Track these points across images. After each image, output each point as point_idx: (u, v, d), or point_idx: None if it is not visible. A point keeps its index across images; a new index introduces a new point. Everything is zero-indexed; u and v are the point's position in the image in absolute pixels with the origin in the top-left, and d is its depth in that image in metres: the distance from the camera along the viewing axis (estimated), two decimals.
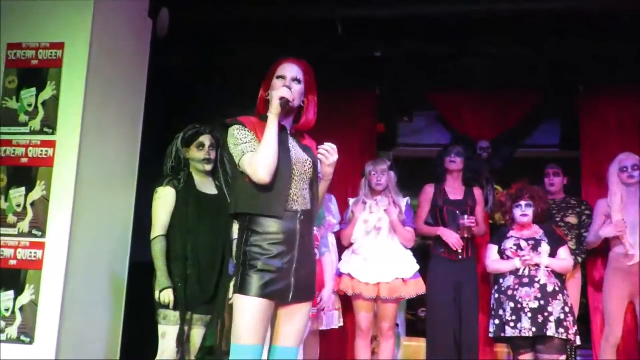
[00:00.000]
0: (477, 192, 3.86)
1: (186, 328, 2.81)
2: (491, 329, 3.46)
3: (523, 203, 3.49)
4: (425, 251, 4.00)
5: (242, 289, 1.99)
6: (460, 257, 3.70)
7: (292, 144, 2.16)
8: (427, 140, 5.03)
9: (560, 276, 3.42)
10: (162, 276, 2.73)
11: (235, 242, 2.26)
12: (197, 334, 2.93)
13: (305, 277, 2.11)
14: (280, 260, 2.02)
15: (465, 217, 3.60)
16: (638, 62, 3.89)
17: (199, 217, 2.87)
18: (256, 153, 2.02)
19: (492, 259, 3.55)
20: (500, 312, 3.40)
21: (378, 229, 3.54)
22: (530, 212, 3.48)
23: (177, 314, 2.76)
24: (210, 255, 2.90)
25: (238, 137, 2.06)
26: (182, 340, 2.85)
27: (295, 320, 2.13)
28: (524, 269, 3.38)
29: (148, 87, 3.28)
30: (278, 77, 2.17)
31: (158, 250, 2.76)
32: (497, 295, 3.48)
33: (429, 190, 3.83)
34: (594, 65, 4.03)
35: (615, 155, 3.73)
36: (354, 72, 4.32)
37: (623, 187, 3.59)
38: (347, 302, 3.71)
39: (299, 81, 2.17)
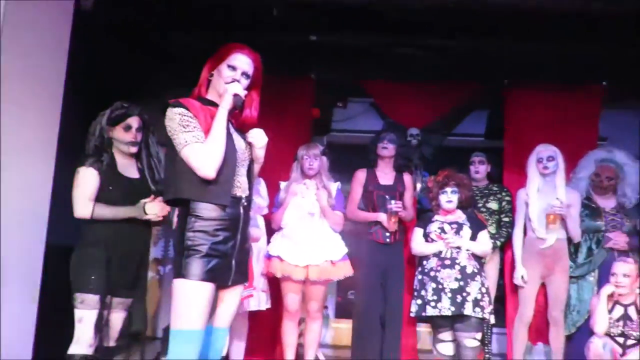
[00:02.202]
0: (407, 178, 3.98)
1: (105, 312, 2.75)
2: (413, 309, 3.59)
3: (449, 189, 3.64)
4: (355, 234, 4.08)
5: (185, 273, 1.99)
6: (388, 240, 3.81)
7: (233, 131, 2.18)
8: (361, 127, 5.10)
9: (479, 259, 3.60)
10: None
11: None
12: (117, 318, 2.86)
13: (243, 261, 2.18)
14: (225, 245, 2.05)
15: (393, 202, 3.70)
16: (560, 61, 4.11)
17: (121, 201, 2.80)
18: (203, 147, 2.01)
19: (417, 242, 3.68)
20: (423, 292, 3.53)
21: (311, 214, 3.58)
22: (455, 198, 3.62)
23: (96, 297, 2.68)
24: (132, 239, 2.84)
25: (181, 123, 2.03)
26: (101, 325, 2.78)
27: (230, 302, 2.19)
28: (447, 252, 3.52)
29: (71, 61, 3.12)
30: (229, 66, 2.16)
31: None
32: (420, 277, 3.62)
33: (361, 175, 3.92)
34: (520, 61, 4.20)
35: (535, 146, 3.94)
36: (289, 56, 4.30)
37: (540, 177, 3.80)
38: (275, 284, 3.74)
39: (248, 76, 2.19)
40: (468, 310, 3.38)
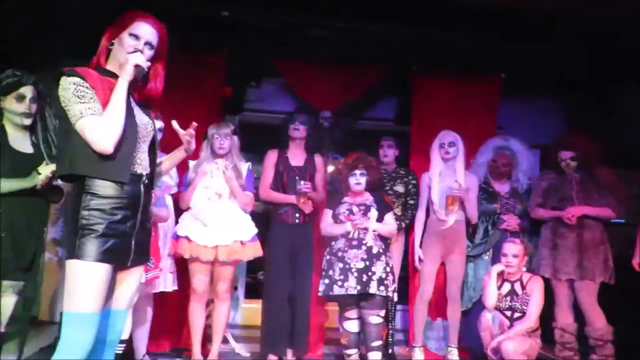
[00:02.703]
0: (318, 159, 4.01)
1: None
2: (321, 288, 3.67)
3: (357, 172, 3.73)
4: (266, 215, 4.08)
5: (80, 254, 1.87)
6: (297, 221, 3.85)
7: (134, 104, 2.07)
8: (274, 107, 5.07)
9: (384, 239, 3.74)
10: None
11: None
12: (8, 302, 2.68)
13: (144, 241, 2.08)
14: (124, 225, 1.95)
15: (302, 182, 3.72)
16: (464, 52, 4.30)
17: (14, 177, 2.60)
18: (101, 120, 1.88)
19: (327, 223, 3.75)
20: (330, 272, 3.62)
21: (219, 195, 3.52)
22: (363, 180, 3.72)
23: None
24: (26, 219, 2.66)
25: (76, 93, 1.89)
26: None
27: (129, 283, 2.10)
28: (354, 232, 3.62)
29: None
30: (131, 35, 2.03)
31: None
32: (328, 257, 3.70)
33: (272, 156, 3.91)
34: (428, 49, 4.35)
35: (438, 132, 4.11)
36: (201, 32, 4.17)
37: (441, 162, 3.98)
38: (182, 265, 3.66)
39: (152, 46, 2.07)
40: (373, 289, 3.51)
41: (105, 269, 1.92)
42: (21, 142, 2.69)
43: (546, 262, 3.72)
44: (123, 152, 1.96)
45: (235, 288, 5.10)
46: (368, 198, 3.77)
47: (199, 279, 3.57)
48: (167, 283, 3.56)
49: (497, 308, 3.58)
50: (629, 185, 3.49)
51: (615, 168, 3.79)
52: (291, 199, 3.77)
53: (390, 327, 4.16)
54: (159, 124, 3.41)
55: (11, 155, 2.62)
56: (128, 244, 2.00)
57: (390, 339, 4.18)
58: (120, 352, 3.13)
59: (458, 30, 4.05)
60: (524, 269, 3.64)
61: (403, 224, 4.16)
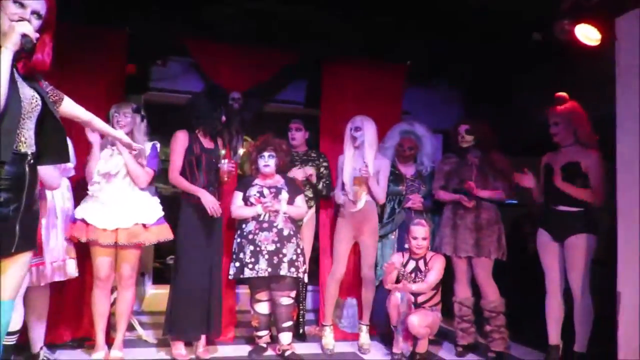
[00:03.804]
0: (220, 141, 3.89)
1: None
2: (231, 272, 3.66)
3: (266, 154, 3.74)
4: (174, 198, 3.96)
5: None
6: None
7: (17, 77, 1.90)
8: (181, 87, 4.91)
9: (295, 221, 3.78)
10: None
11: None
12: None
13: (30, 225, 1.95)
14: (6, 208, 1.81)
15: (226, 161, 3.64)
16: (371, 39, 4.40)
17: None
18: None
19: (237, 205, 3.72)
20: (241, 255, 3.61)
21: (110, 175, 3.40)
22: (272, 162, 3.73)
23: None
24: None
25: None
26: None
27: (15, 271, 1.95)
28: (265, 215, 3.63)
29: None
30: (16, 2, 1.87)
31: None
32: (239, 240, 3.68)
33: (183, 137, 3.71)
34: (339, 35, 4.41)
35: (348, 116, 4.19)
36: (104, 5, 3.94)
37: (351, 145, 4.07)
38: (83, 250, 3.48)
39: (39, 16, 1.92)
40: (284, 270, 3.55)
41: None
42: None
43: (447, 241, 3.93)
44: (4, 129, 1.80)
45: (142, 274, 4.94)
46: (279, 180, 3.79)
47: (101, 264, 3.42)
48: (68, 270, 3.36)
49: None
50: (520, 170, 3.74)
51: (510, 155, 4.07)
52: (199, 191, 3.60)
53: (301, 307, 4.23)
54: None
55: None
56: (12, 229, 1.86)
57: (301, 319, 4.25)
58: (12, 343, 2.93)
59: (368, 18, 4.14)
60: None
61: (312, 204, 4.22)
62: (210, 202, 3.57)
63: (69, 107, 2.21)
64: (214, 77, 4.54)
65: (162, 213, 3.53)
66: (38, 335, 3.36)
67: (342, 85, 4.63)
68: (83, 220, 3.35)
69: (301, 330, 4.25)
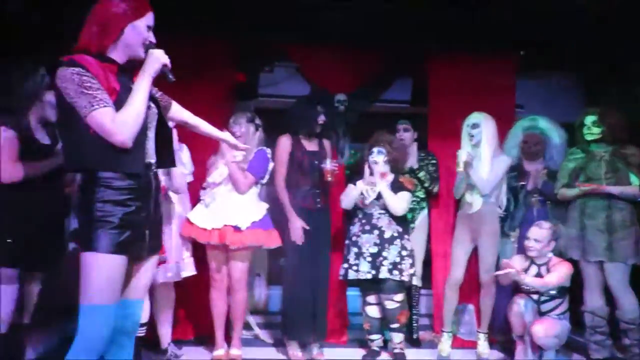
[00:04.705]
0: (327, 143, 3.93)
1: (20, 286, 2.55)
2: (341, 272, 3.67)
3: (375, 150, 3.67)
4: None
5: (96, 246, 1.82)
6: (319, 205, 3.79)
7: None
8: (289, 92, 4.98)
9: (401, 223, 3.64)
10: None
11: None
12: (32, 293, 2.67)
13: (156, 230, 2.06)
14: (138, 215, 1.90)
15: (328, 160, 3.65)
16: (479, 29, 4.18)
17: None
18: (117, 113, 1.81)
19: (344, 194, 3.70)
20: (348, 257, 3.60)
21: (219, 183, 3.54)
22: (380, 159, 3.65)
23: (16, 271, 2.47)
24: (48, 209, 2.63)
25: (82, 84, 1.79)
26: (23, 300, 2.60)
27: (145, 273, 2.07)
28: (367, 217, 3.55)
29: None
30: (149, 27, 1.96)
31: None
32: (347, 242, 3.69)
33: (286, 141, 3.79)
34: (443, 27, 4.23)
35: (458, 113, 4.02)
36: (211, 19, 4.09)
37: (468, 143, 3.89)
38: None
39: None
40: (383, 273, 3.50)
41: (120, 260, 1.88)
42: (40, 132, 2.66)
43: (574, 244, 3.63)
44: (136, 143, 1.90)
45: (258, 274, 5.10)
46: (389, 179, 3.70)
47: (213, 264, 3.58)
48: (186, 269, 3.55)
49: (524, 291, 3.51)
50: None
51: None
52: (291, 213, 3.67)
53: (414, 312, 4.11)
54: None
55: (36, 146, 2.58)
56: (142, 235, 1.96)
57: (414, 324, 4.14)
58: (142, 335, 3.15)
59: (473, 9, 3.94)
60: (550, 254, 3.54)
61: (425, 207, 4.10)
62: (296, 229, 3.63)
63: (178, 112, 2.29)
64: (317, 81, 4.56)
65: (259, 218, 3.56)
66: (166, 332, 3.58)
67: (450, 80, 4.44)
68: (188, 220, 3.53)
69: (415, 336, 4.14)
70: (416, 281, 3.98)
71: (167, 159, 2.14)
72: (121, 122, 1.82)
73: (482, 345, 3.88)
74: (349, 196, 3.69)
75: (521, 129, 4.09)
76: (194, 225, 3.50)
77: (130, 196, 1.89)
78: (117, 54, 1.94)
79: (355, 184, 3.74)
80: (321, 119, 3.79)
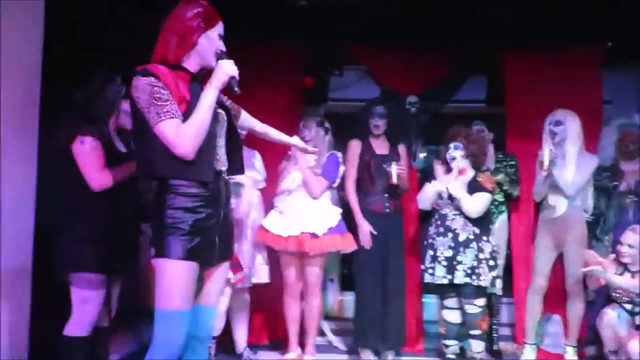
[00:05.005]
0: (402, 147, 3.87)
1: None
2: (422, 276, 3.54)
3: (452, 145, 3.49)
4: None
5: (167, 252, 1.85)
6: (387, 210, 3.71)
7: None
8: (359, 95, 4.93)
9: (479, 224, 3.45)
10: None
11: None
12: (113, 296, 2.77)
13: (227, 236, 2.06)
14: (208, 222, 1.92)
15: (394, 163, 3.57)
16: (559, 20, 3.93)
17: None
18: (182, 125, 1.83)
19: (421, 193, 3.59)
20: (425, 260, 3.49)
21: (293, 189, 3.53)
22: (458, 154, 3.47)
23: (101, 277, 2.57)
24: (128, 215, 2.72)
25: (153, 95, 1.83)
26: (109, 304, 2.72)
27: (217, 279, 2.08)
28: (442, 219, 3.41)
29: (48, 29, 2.93)
30: (220, 36, 1.98)
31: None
32: (425, 243, 3.56)
33: (356, 145, 3.78)
34: (518, 21, 4.03)
35: (537, 111, 3.82)
36: (279, 24, 4.12)
37: (550, 142, 3.66)
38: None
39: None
40: (459, 278, 3.34)
41: (192, 266, 1.90)
42: (117, 140, 2.75)
43: None
44: (205, 152, 1.91)
45: (331, 280, 5.08)
46: (468, 177, 3.51)
47: (287, 271, 3.58)
48: (260, 276, 3.59)
49: (616, 301, 3.25)
50: None
51: None
52: (359, 217, 3.64)
53: (494, 320, 3.92)
54: None
55: (114, 153, 2.69)
56: (213, 241, 1.97)
57: (494, 334, 3.95)
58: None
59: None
60: None
61: (505, 211, 3.91)
62: (364, 233, 3.60)
63: (247, 120, 2.31)
64: (388, 82, 4.47)
65: (335, 223, 3.53)
66: (241, 336, 3.64)
67: (528, 76, 4.21)
68: (263, 227, 3.54)
69: (495, 347, 3.95)
70: (496, 288, 3.80)
71: (236, 165, 2.15)
72: (184, 134, 1.84)
73: (570, 358, 3.62)
74: (425, 196, 3.58)
75: (617, 127, 3.84)
76: (269, 232, 3.51)
77: (200, 203, 1.91)
78: (190, 63, 1.97)
79: (431, 183, 3.61)
80: (375, 121, 3.73)
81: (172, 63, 1.92)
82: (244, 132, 2.51)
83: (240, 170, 2.20)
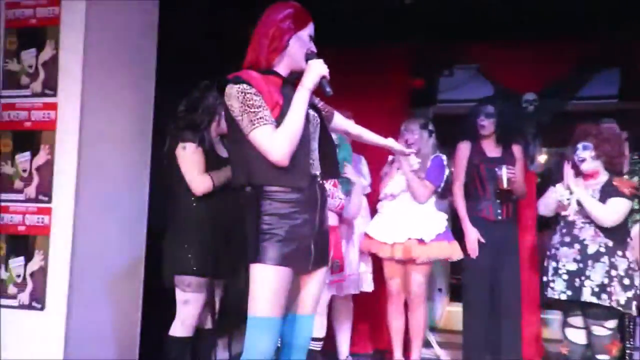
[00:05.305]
0: (517, 148, 3.59)
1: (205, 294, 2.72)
2: (542, 289, 3.21)
3: (580, 145, 3.03)
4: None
5: (262, 258, 1.84)
6: (499, 217, 3.45)
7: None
8: (471, 95, 4.67)
9: (613, 235, 3.03)
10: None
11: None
12: (215, 299, 2.84)
13: (322, 242, 2.00)
14: (303, 228, 1.89)
15: (504, 166, 3.31)
16: None
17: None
18: (276, 131, 1.81)
19: (542, 197, 3.24)
20: (547, 271, 3.13)
21: (397, 194, 3.40)
22: (587, 155, 3.01)
23: (203, 280, 2.66)
24: (229, 219, 2.78)
25: (245, 102, 1.81)
26: (214, 307, 2.78)
27: (313, 286, 2.03)
28: (568, 227, 3.04)
29: (161, 38, 3.11)
30: (310, 37, 1.96)
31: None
32: (548, 253, 3.21)
33: (465, 148, 3.58)
34: None
35: None
36: (386, 24, 4.03)
37: None
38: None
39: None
40: (586, 296, 2.89)
41: (286, 273, 1.87)
42: (219, 147, 2.83)
43: None
44: (299, 156, 1.87)
45: (440, 290, 4.89)
46: (599, 182, 3.11)
47: (390, 279, 3.47)
48: (363, 284, 3.50)
49: None
50: None
51: None
52: (466, 222, 3.45)
53: (627, 345, 3.46)
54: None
55: (218, 159, 2.76)
56: (308, 248, 1.93)
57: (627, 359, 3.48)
58: (318, 349, 3.16)
59: None
60: None
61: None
62: (471, 241, 3.41)
63: (340, 121, 2.24)
64: (502, 81, 4.18)
65: (443, 229, 3.37)
66: (344, 344, 3.58)
67: None
68: (367, 234, 3.46)
69: None
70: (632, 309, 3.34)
71: (331, 169, 2.09)
72: (278, 141, 1.82)
73: None
74: (547, 201, 3.22)
75: None
76: (373, 239, 3.43)
77: (296, 209, 1.88)
78: (282, 67, 1.95)
79: (555, 187, 3.26)
80: (482, 120, 3.51)
81: (264, 67, 1.91)
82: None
83: (335, 174, 2.15)
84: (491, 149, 3.56)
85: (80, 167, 2.56)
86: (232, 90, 1.84)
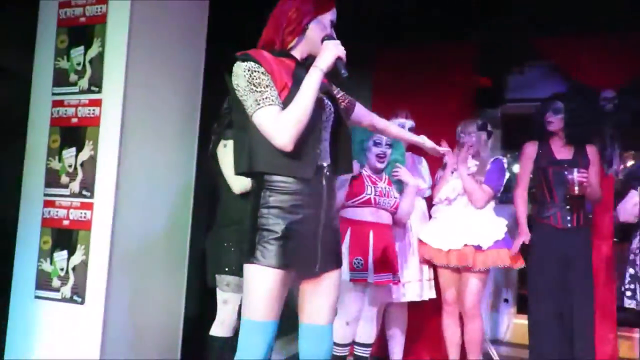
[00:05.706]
0: (591, 150, 3.27)
1: None
2: (618, 299, 2.99)
3: None
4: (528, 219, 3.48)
5: (257, 257, 1.67)
6: (569, 225, 3.15)
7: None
8: (543, 93, 4.34)
9: None
10: None
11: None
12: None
13: (331, 242, 1.81)
14: (305, 225, 1.72)
15: (575, 170, 3.02)
16: None
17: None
18: (282, 113, 1.66)
19: (622, 201, 3.01)
20: (624, 279, 2.86)
21: (454, 198, 3.23)
22: None
23: (237, 279, 2.59)
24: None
25: (251, 81, 1.67)
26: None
27: (323, 292, 1.83)
28: None
29: (210, 37, 3.09)
30: (332, 21, 1.82)
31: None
32: (630, 258, 2.92)
33: (531, 149, 3.32)
34: None
35: None
36: (451, 22, 3.83)
37: None
38: None
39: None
40: None
41: (283, 275, 1.69)
42: None
43: None
44: (307, 145, 1.71)
45: (506, 300, 4.60)
46: None
47: (445, 288, 3.30)
48: (422, 291, 3.33)
49: None
50: None
51: None
52: (522, 227, 3.21)
53: None
54: (410, 123, 3.28)
55: None
56: (313, 248, 1.75)
57: None
58: (366, 355, 3.06)
59: None
60: None
61: None
62: (516, 244, 3.18)
63: (361, 114, 2.08)
64: (578, 76, 3.85)
65: (502, 236, 3.15)
66: (397, 351, 3.43)
67: None
68: (421, 240, 3.30)
69: None
70: None
71: (344, 164, 1.91)
72: (283, 123, 1.66)
73: None
74: (627, 206, 2.94)
75: None
76: (428, 245, 3.27)
77: (297, 203, 1.72)
78: (297, 51, 1.82)
79: (637, 190, 2.97)
80: (549, 116, 3.25)
81: (278, 48, 1.79)
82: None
83: (349, 169, 1.94)
84: (561, 151, 3.27)
85: (122, 164, 2.58)
86: (239, 68, 1.70)
